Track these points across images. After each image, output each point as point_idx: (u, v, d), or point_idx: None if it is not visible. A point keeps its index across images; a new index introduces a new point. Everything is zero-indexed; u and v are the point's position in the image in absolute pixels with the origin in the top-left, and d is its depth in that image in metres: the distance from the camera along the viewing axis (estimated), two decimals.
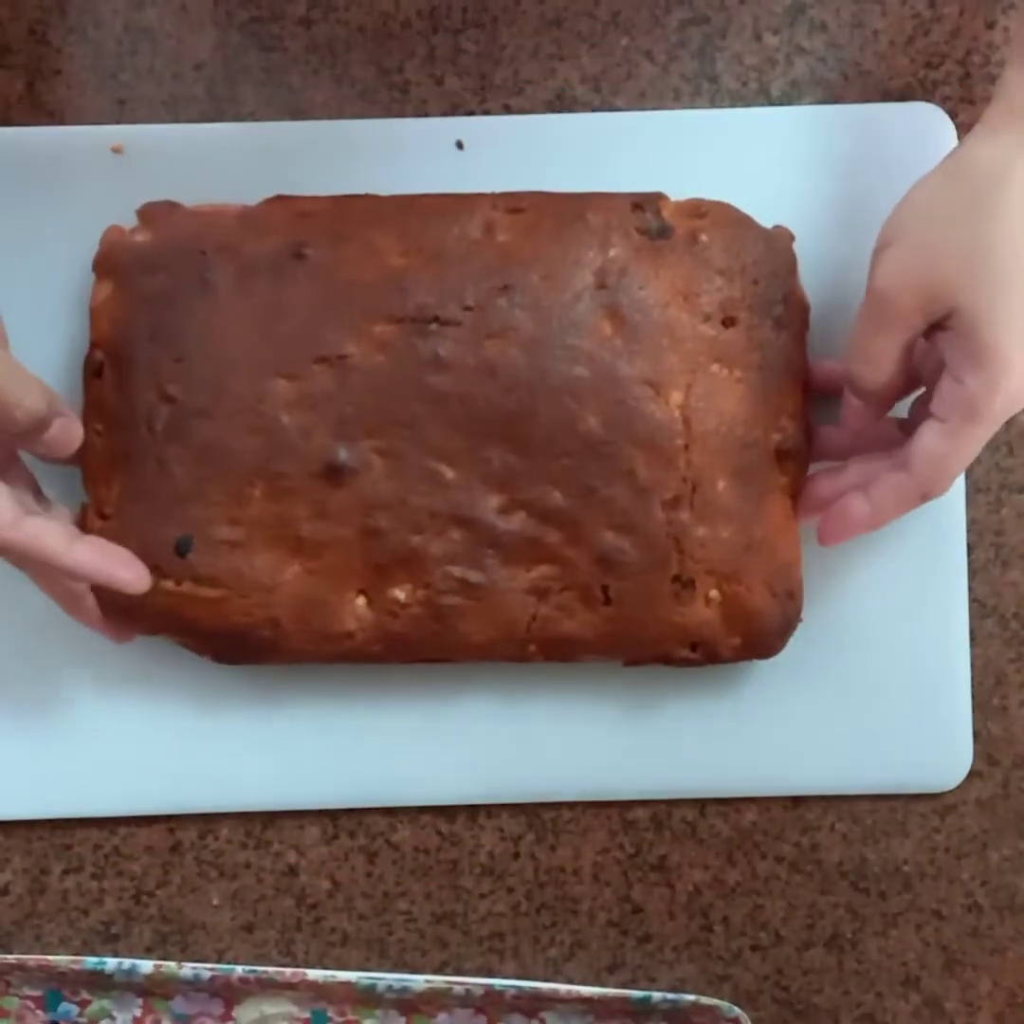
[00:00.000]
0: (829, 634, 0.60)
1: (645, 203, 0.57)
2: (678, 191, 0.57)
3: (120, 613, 0.56)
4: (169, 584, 0.55)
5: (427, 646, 0.56)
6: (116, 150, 0.60)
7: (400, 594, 0.56)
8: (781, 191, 0.60)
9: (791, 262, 0.57)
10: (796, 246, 0.58)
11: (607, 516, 0.55)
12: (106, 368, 0.56)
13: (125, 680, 0.59)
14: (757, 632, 0.56)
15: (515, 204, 0.57)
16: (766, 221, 0.58)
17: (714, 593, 0.56)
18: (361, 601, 0.56)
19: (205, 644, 0.57)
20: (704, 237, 0.56)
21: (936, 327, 0.51)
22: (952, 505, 0.60)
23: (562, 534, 0.55)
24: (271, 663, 0.57)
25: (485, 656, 0.56)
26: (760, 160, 0.60)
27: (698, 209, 0.57)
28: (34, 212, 0.60)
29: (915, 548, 0.60)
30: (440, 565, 0.55)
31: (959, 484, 0.60)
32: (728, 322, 0.56)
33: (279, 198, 0.57)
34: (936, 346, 0.52)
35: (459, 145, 0.60)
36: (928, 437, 0.52)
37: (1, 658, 0.59)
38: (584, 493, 0.55)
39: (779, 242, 0.57)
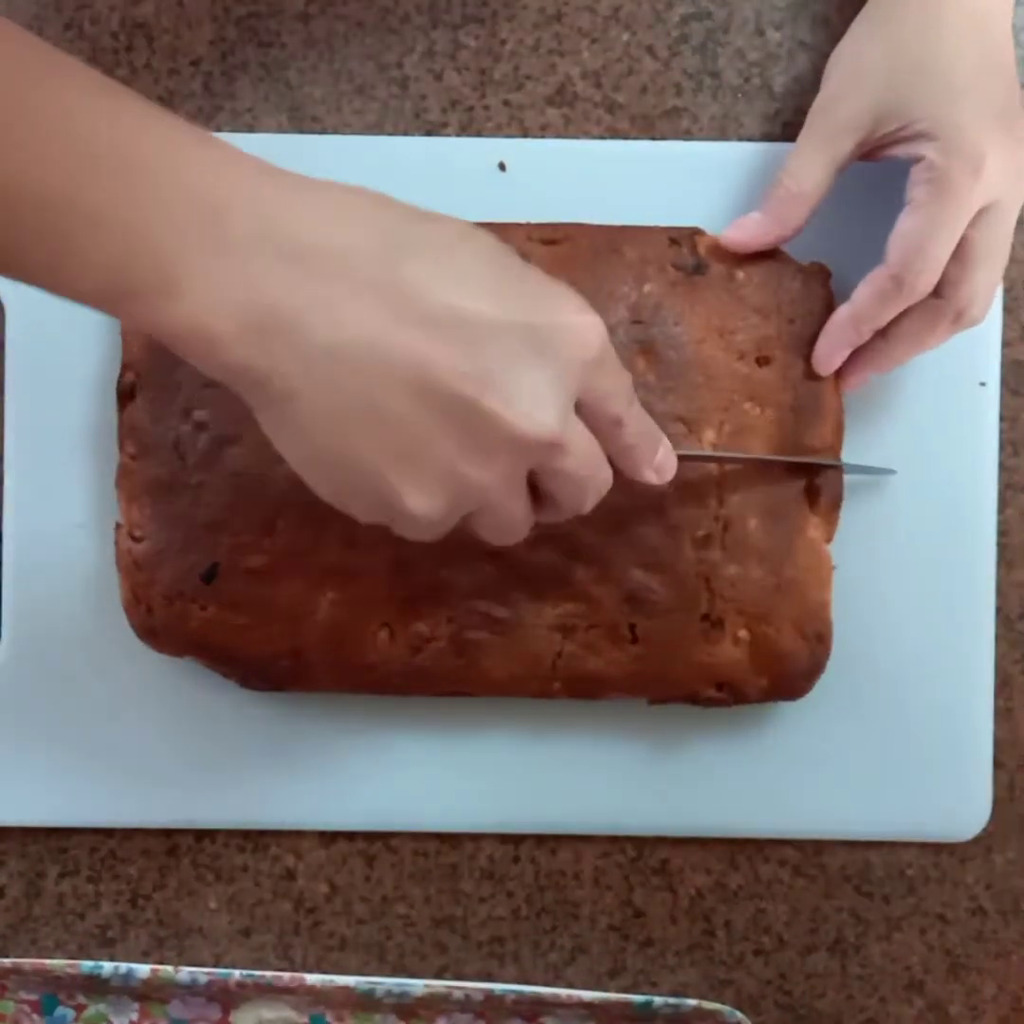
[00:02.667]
0: (857, 678, 0.59)
1: (681, 238, 0.56)
2: (724, 222, 0.57)
3: (150, 634, 0.56)
4: (196, 609, 0.55)
5: (450, 680, 0.56)
6: None
7: (425, 627, 0.55)
8: (819, 227, 0.57)
9: (828, 300, 0.56)
10: (833, 283, 0.57)
11: (636, 554, 0.55)
12: (138, 391, 0.56)
13: (148, 693, 0.59)
14: (785, 674, 0.56)
15: (550, 235, 0.56)
16: (803, 255, 0.57)
17: (743, 633, 0.55)
18: (385, 634, 0.55)
19: (232, 670, 0.56)
20: (740, 274, 0.56)
21: (884, 143, 0.54)
22: (983, 564, 0.59)
23: (590, 571, 0.55)
24: (295, 691, 0.57)
25: (509, 691, 0.56)
26: None
27: None
28: None
29: (944, 602, 0.59)
30: (466, 599, 0.55)
31: (991, 548, 0.59)
32: (763, 361, 0.56)
33: None
34: (892, 153, 0.54)
35: (501, 167, 0.59)
36: (899, 221, 0.53)
37: (26, 667, 0.59)
38: (613, 530, 0.54)
39: (816, 280, 0.56)
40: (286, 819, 0.59)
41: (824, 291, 0.56)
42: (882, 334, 0.55)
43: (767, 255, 0.56)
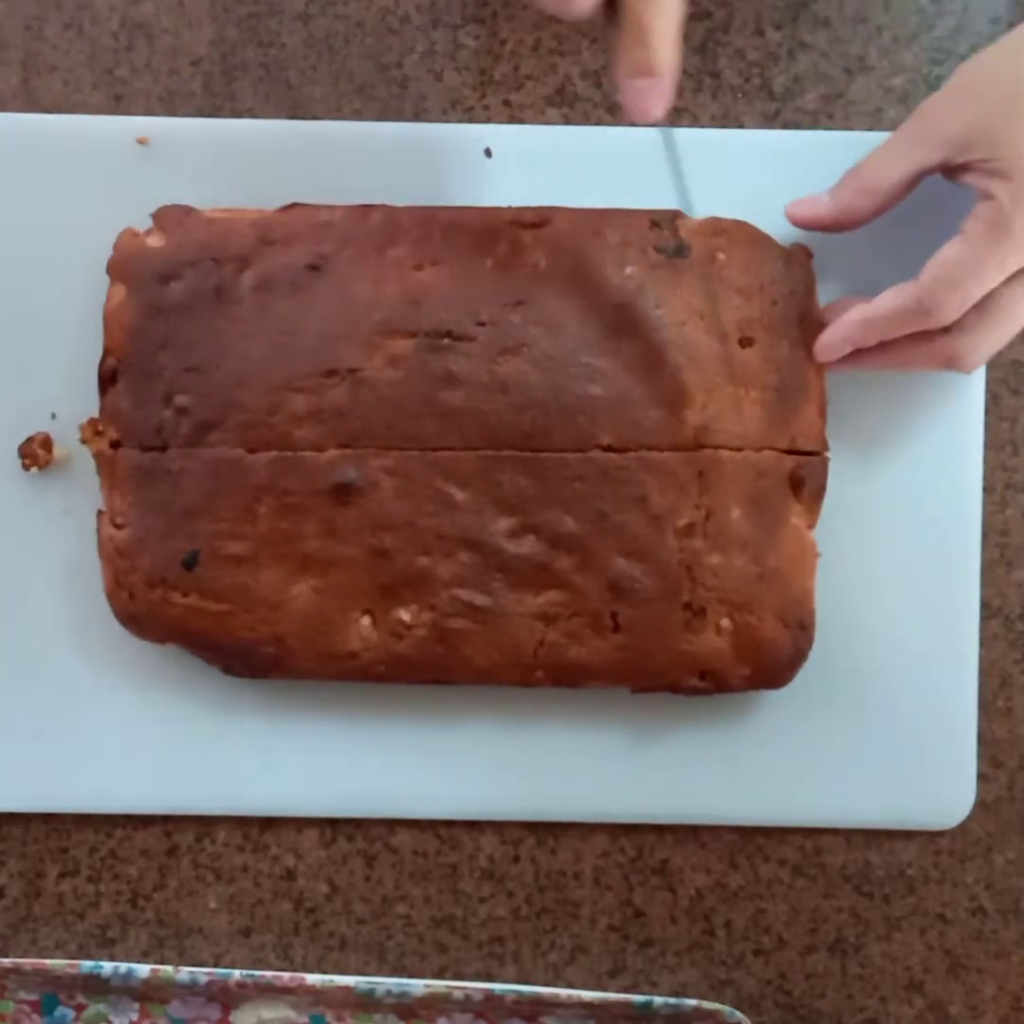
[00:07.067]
0: (839, 667, 0.59)
1: (663, 221, 0.56)
2: (707, 208, 0.57)
3: (131, 621, 0.56)
4: (177, 596, 0.55)
5: (432, 668, 0.56)
6: (142, 142, 0.59)
7: (406, 615, 0.55)
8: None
9: (810, 281, 0.56)
10: (815, 264, 0.57)
11: (619, 542, 0.55)
12: (120, 375, 0.56)
13: (132, 679, 0.59)
14: (767, 663, 0.56)
15: (533, 218, 0.56)
16: (788, 241, 0.57)
17: (725, 622, 0.55)
18: (366, 621, 0.55)
19: (214, 656, 0.57)
20: (722, 256, 0.56)
21: (966, 167, 0.53)
22: (968, 550, 0.59)
23: (572, 560, 0.55)
24: (276, 678, 0.57)
25: (490, 680, 0.56)
26: (783, 181, 0.58)
27: (716, 228, 0.56)
28: (52, 202, 0.59)
29: (929, 591, 0.59)
30: (447, 587, 0.55)
31: (976, 534, 0.59)
32: (745, 342, 0.56)
33: (296, 206, 0.57)
34: (966, 180, 0.53)
35: (487, 153, 0.59)
36: (945, 247, 0.52)
37: (9, 654, 0.59)
38: (596, 518, 0.55)
39: (798, 260, 0.57)
40: (268, 805, 0.59)
41: (805, 272, 0.56)
42: None
43: (749, 238, 0.56)
